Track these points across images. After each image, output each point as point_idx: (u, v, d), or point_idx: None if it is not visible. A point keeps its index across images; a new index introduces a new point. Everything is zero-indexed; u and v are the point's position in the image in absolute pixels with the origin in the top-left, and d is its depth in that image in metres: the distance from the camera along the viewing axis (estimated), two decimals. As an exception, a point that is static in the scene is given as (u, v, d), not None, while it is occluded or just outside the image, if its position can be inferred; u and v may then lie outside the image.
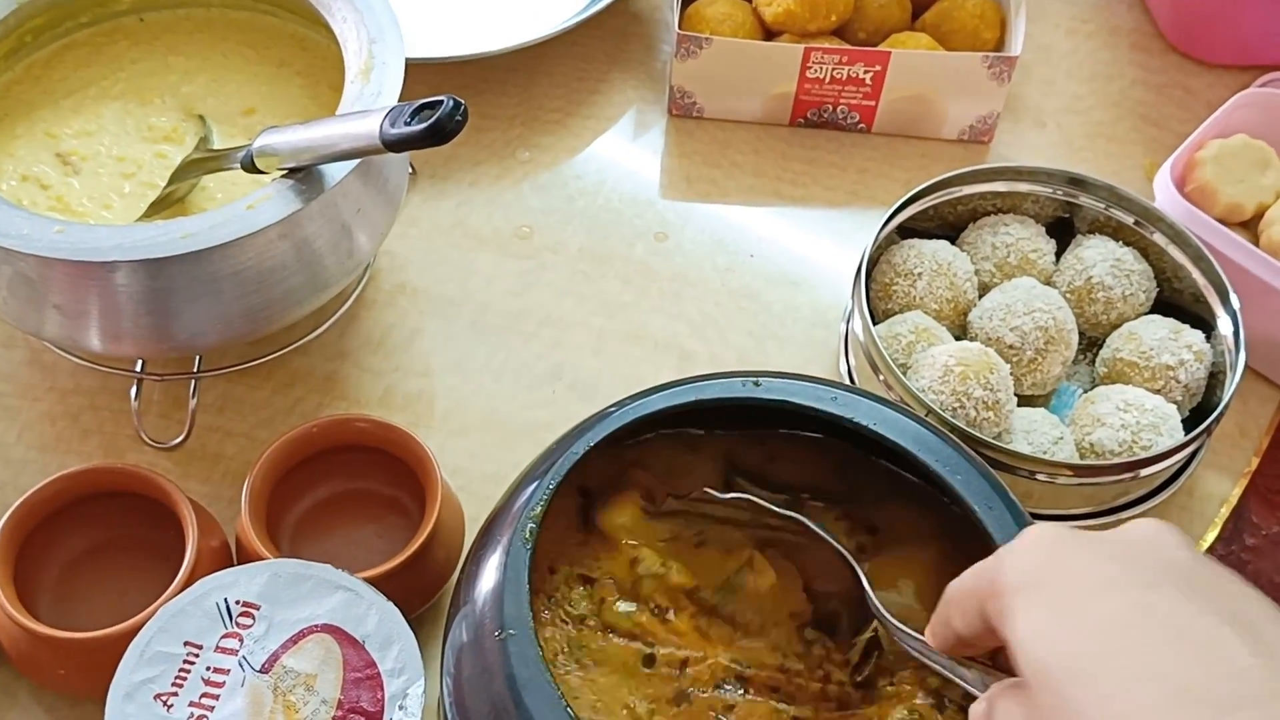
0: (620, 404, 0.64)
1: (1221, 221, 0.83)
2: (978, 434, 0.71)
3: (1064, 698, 0.40)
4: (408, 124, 0.62)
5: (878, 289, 0.82)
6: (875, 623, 0.59)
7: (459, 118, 0.61)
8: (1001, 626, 0.44)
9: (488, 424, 0.79)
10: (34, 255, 0.65)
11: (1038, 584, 0.43)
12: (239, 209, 0.67)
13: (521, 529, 0.58)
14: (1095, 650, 0.40)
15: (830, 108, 0.94)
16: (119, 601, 0.68)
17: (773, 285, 0.87)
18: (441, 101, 0.61)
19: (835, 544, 0.61)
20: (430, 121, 0.61)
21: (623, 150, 0.95)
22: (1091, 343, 0.83)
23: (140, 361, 0.77)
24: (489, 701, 0.55)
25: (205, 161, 0.75)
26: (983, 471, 0.62)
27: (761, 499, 0.63)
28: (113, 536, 0.72)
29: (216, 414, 0.79)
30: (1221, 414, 0.74)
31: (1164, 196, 0.83)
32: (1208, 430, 0.74)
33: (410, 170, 0.88)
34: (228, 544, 0.71)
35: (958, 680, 0.51)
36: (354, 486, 0.74)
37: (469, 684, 0.57)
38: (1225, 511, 0.78)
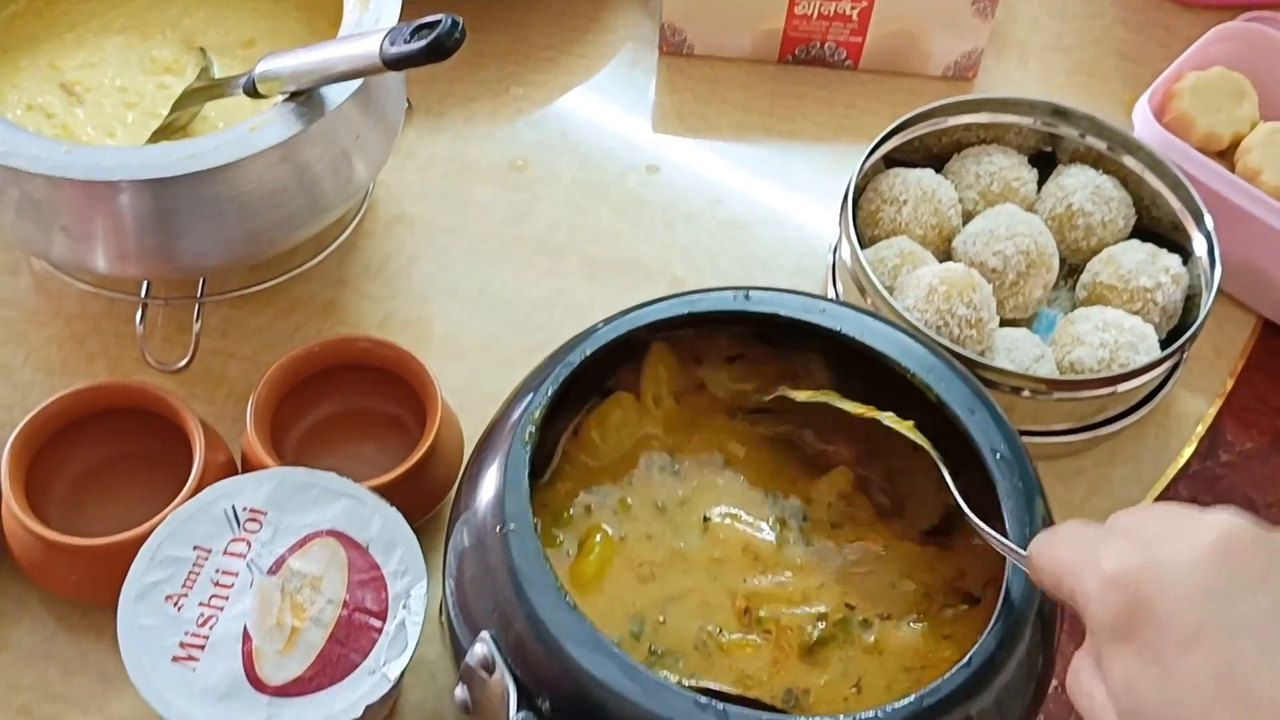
0: (614, 317, 0.65)
1: (1199, 150, 0.85)
2: (961, 351, 0.73)
3: None
4: (407, 42, 0.63)
5: (864, 216, 0.84)
6: None
7: (457, 35, 0.62)
8: (1095, 656, 0.46)
9: (485, 347, 0.81)
10: (43, 175, 0.67)
11: (1127, 634, 0.44)
12: (241, 131, 0.69)
13: (521, 432, 0.60)
14: (1179, 711, 0.42)
15: (818, 44, 0.95)
16: (126, 514, 0.70)
17: (761, 216, 0.90)
18: (439, 20, 0.63)
19: (930, 451, 0.62)
20: (429, 39, 0.62)
21: (615, 86, 0.96)
22: (1072, 270, 0.85)
23: (145, 285, 0.78)
24: (491, 597, 0.56)
25: (207, 89, 0.76)
26: (965, 379, 0.64)
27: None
28: (120, 453, 0.73)
29: (220, 338, 0.80)
30: (1198, 330, 0.76)
31: (1142, 126, 0.85)
32: (1184, 347, 0.76)
33: (407, 105, 0.89)
34: (233, 460, 0.73)
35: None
36: (355, 405, 0.76)
37: (470, 584, 0.58)
38: (1201, 430, 0.81)
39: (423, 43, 0.62)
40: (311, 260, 0.82)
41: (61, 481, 0.72)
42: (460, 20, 0.62)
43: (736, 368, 0.70)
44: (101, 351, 0.80)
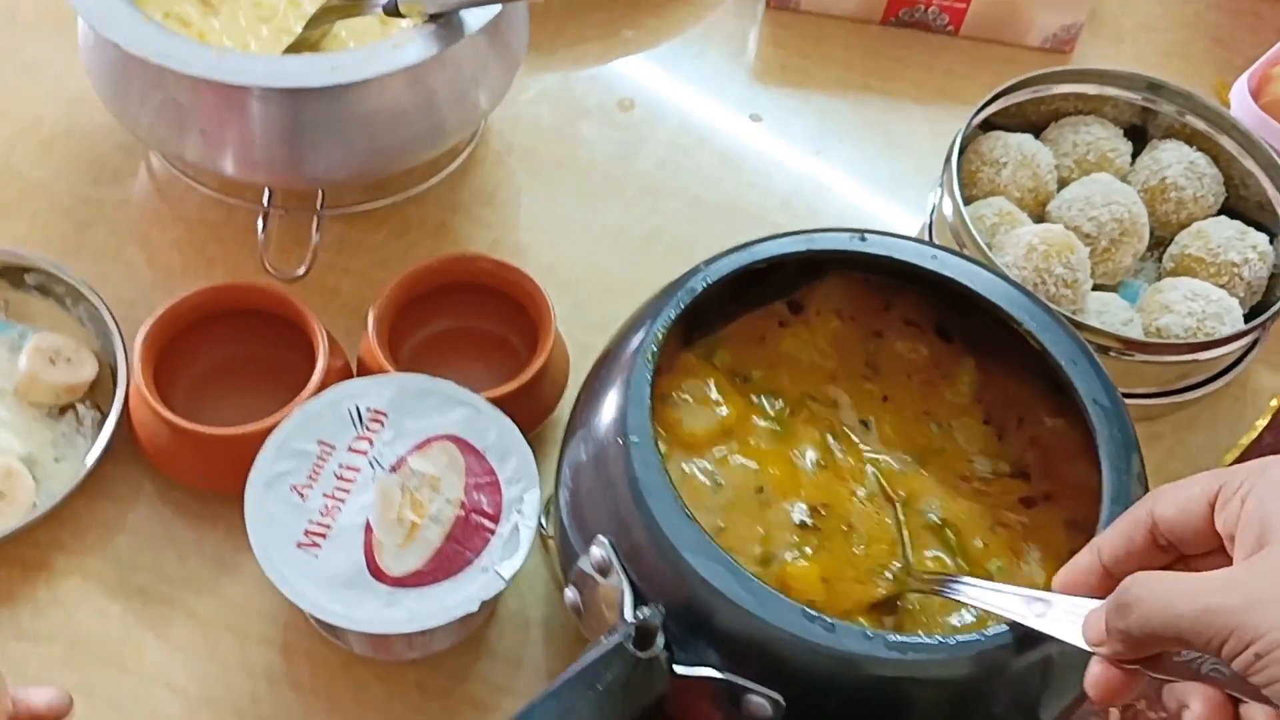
0: (734, 249, 0.68)
1: (1292, 134, 0.87)
2: (1056, 309, 0.76)
3: None
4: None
5: (963, 176, 0.86)
6: None
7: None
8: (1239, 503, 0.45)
9: (590, 279, 0.84)
10: (192, 77, 0.69)
11: None
12: (385, 47, 0.71)
13: (644, 350, 0.62)
14: None
15: (921, 8, 0.97)
16: (245, 411, 0.71)
17: (860, 170, 0.92)
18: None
19: None
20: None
21: (722, 36, 0.99)
22: (1159, 242, 0.87)
23: (268, 194, 0.81)
24: (609, 506, 0.59)
25: (344, 7, 0.78)
26: (1067, 331, 0.66)
27: None
28: (239, 353, 0.76)
29: (335, 253, 0.83)
30: (1282, 308, 0.78)
31: (1239, 106, 0.87)
32: (1269, 320, 0.78)
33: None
34: (349, 365, 0.75)
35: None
36: (465, 324, 0.79)
37: (587, 494, 0.61)
38: (1275, 404, 0.83)
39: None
40: (425, 183, 0.85)
41: (184, 377, 0.75)
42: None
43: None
44: (221, 258, 0.82)
